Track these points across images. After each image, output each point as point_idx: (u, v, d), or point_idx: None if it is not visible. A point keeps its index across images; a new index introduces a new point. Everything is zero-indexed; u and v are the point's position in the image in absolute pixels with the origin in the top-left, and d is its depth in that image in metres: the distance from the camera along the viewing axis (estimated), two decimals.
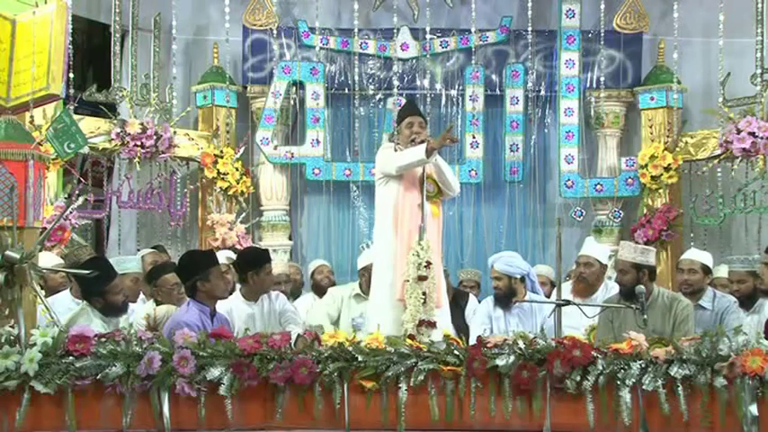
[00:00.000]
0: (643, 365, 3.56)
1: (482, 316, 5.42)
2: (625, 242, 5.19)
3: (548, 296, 5.66)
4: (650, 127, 7.41)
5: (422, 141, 4.72)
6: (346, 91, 7.61)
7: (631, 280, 4.69)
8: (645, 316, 4.23)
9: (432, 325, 4.53)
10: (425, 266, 4.55)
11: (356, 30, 7.13)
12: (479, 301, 5.75)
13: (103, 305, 4.33)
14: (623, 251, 4.85)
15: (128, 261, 5.24)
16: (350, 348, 3.65)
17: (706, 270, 5.30)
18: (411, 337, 3.97)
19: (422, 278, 4.54)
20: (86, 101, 6.67)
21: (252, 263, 5.26)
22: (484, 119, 7.54)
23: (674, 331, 4.46)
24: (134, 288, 5.02)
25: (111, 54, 6.93)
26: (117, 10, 6.85)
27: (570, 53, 7.44)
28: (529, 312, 5.29)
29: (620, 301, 4.74)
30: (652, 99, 7.42)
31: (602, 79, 7.42)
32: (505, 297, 5.29)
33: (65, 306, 4.77)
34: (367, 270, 5.56)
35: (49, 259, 5.26)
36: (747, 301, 5.27)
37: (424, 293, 4.55)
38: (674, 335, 4.16)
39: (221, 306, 4.81)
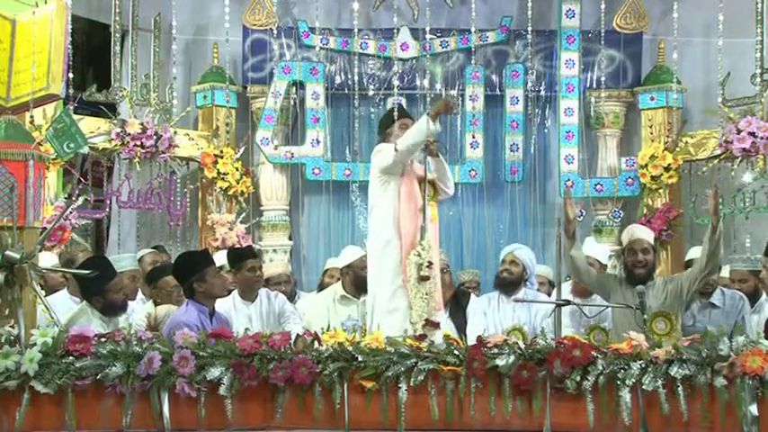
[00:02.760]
0: (643, 365, 3.56)
1: (478, 315, 5.43)
2: (636, 225, 5.37)
3: (548, 296, 5.66)
4: (650, 127, 7.41)
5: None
6: (346, 91, 7.61)
7: (653, 260, 4.93)
8: (645, 316, 4.23)
9: (435, 325, 4.53)
10: (427, 266, 4.54)
11: (356, 30, 7.13)
12: None
13: (103, 304, 4.33)
14: (642, 233, 5.04)
15: (124, 259, 5.24)
16: (350, 348, 3.66)
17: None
18: (421, 337, 3.96)
19: (424, 278, 4.53)
20: (86, 101, 6.67)
21: (232, 262, 5.31)
22: (484, 119, 7.53)
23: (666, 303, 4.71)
24: (132, 286, 5.02)
25: (111, 54, 6.92)
26: (117, 10, 6.84)
27: (570, 53, 7.44)
28: (526, 306, 5.35)
29: (625, 281, 4.93)
30: (652, 99, 7.42)
31: (602, 79, 7.41)
32: (511, 284, 5.39)
33: (63, 305, 4.76)
34: (352, 268, 5.53)
35: (48, 259, 5.26)
36: (749, 301, 5.29)
37: (426, 294, 4.55)
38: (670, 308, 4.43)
39: (221, 306, 4.82)
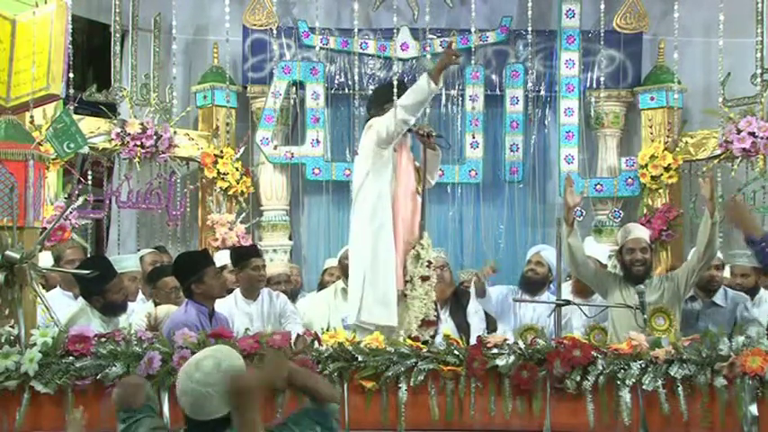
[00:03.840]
0: (643, 365, 3.56)
1: (499, 293, 5.50)
2: (633, 224, 5.36)
3: None
4: (650, 127, 7.41)
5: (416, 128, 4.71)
6: (346, 91, 7.61)
7: (650, 259, 4.93)
8: (645, 316, 4.23)
9: (431, 324, 4.52)
10: (426, 266, 4.53)
11: (356, 30, 7.10)
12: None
13: (103, 304, 4.32)
14: (640, 231, 5.03)
15: (126, 260, 5.25)
16: (350, 348, 3.66)
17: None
18: (415, 338, 3.95)
19: (424, 278, 4.52)
20: (86, 101, 6.66)
21: (235, 260, 5.31)
22: (484, 119, 7.53)
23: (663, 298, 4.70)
24: (132, 286, 5.01)
25: (111, 54, 6.92)
26: (117, 10, 6.84)
27: (570, 53, 7.44)
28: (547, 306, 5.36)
29: (623, 280, 4.90)
30: (652, 99, 7.42)
31: (602, 79, 7.40)
32: (536, 284, 5.36)
33: (57, 301, 4.73)
34: (340, 261, 5.55)
35: (47, 259, 5.26)
36: (750, 296, 5.32)
37: (425, 294, 4.54)
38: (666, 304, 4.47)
39: (222, 305, 4.81)
